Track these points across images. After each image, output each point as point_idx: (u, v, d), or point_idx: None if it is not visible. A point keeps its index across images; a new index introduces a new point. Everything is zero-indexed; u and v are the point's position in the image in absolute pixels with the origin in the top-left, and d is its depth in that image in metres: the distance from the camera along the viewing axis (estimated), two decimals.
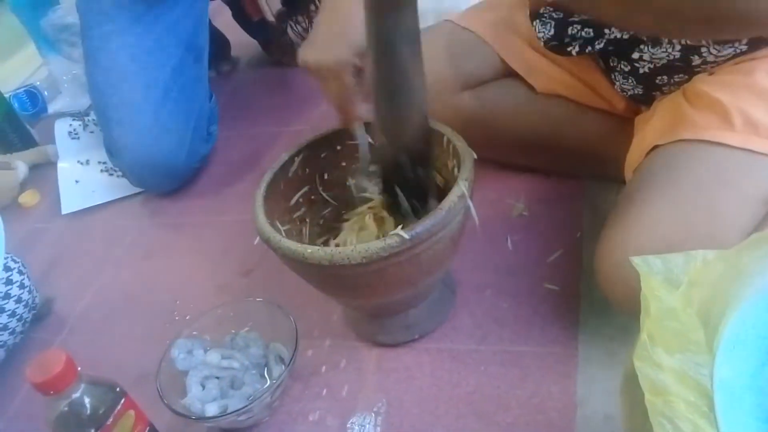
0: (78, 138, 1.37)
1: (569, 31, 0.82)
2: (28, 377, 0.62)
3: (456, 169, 0.73)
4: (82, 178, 1.32)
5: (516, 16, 0.93)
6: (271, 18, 1.42)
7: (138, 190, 1.27)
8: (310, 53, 0.75)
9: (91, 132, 1.37)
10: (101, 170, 1.33)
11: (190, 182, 1.26)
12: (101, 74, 1.19)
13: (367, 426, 0.75)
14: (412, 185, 0.73)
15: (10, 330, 0.92)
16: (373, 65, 0.66)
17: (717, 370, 0.40)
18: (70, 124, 1.38)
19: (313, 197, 0.85)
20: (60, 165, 1.34)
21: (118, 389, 0.68)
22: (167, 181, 1.24)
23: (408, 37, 0.63)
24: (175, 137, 1.20)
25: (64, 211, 1.26)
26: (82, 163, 1.35)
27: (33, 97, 1.64)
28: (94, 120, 1.38)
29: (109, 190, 1.29)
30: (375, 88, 0.68)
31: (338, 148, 0.85)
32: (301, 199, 0.84)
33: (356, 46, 0.71)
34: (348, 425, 0.75)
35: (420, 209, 0.74)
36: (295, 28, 1.47)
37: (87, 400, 0.64)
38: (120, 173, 1.26)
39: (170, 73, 1.20)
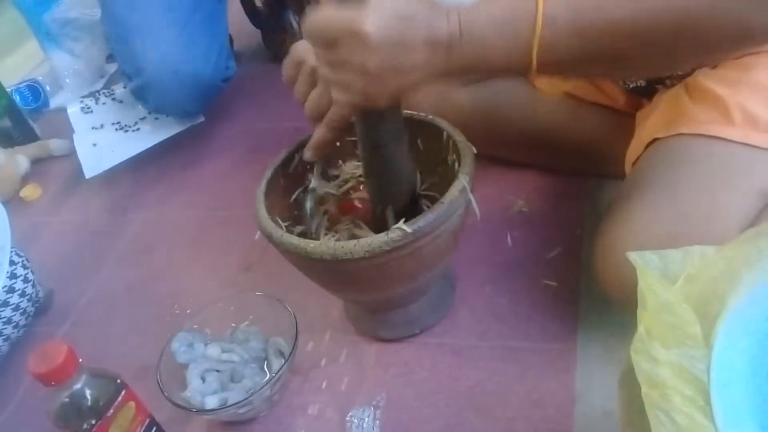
0: (91, 112, 1.39)
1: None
2: (30, 368, 0.62)
3: (456, 164, 0.73)
4: (99, 140, 1.32)
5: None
6: (259, 3, 1.42)
7: (158, 139, 1.27)
8: (299, 51, 0.73)
9: (104, 104, 1.39)
10: (116, 129, 1.34)
11: (192, 177, 1.26)
12: (122, 1, 1.19)
13: (367, 419, 0.75)
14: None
15: (14, 324, 0.93)
16: (363, 156, 0.72)
17: (713, 364, 0.40)
18: (82, 100, 1.41)
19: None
20: (76, 135, 1.35)
21: (118, 381, 0.68)
22: (192, 98, 1.23)
23: (393, 132, 0.68)
24: (201, 50, 1.20)
25: (87, 176, 1.25)
26: (96, 128, 1.36)
27: (35, 91, 1.64)
28: (105, 92, 1.40)
29: (128, 146, 1.29)
30: (366, 172, 0.74)
31: (338, 144, 0.85)
32: (301, 195, 0.84)
33: None
34: (347, 418, 0.75)
35: None
36: (295, 17, 1.47)
37: (88, 392, 0.65)
38: (132, 127, 1.29)
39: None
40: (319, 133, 0.72)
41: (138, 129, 1.32)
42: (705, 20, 0.53)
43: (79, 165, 1.26)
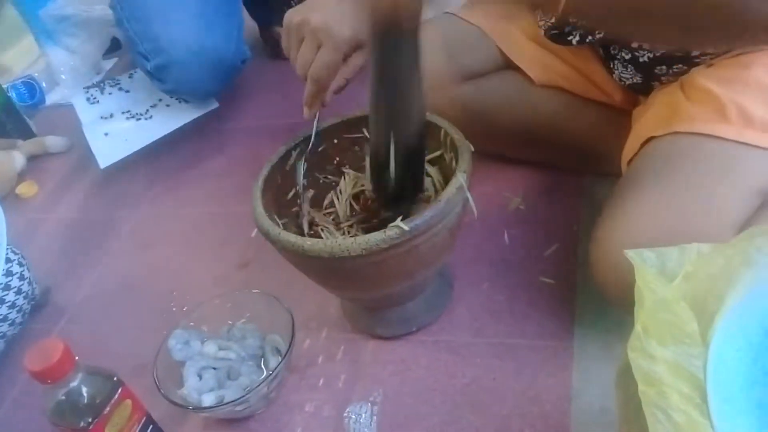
0: (98, 102, 1.38)
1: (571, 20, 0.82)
2: (27, 366, 0.62)
3: (454, 162, 0.73)
4: (110, 130, 1.31)
5: (517, 7, 0.93)
6: None
7: (173, 126, 1.26)
8: (318, 17, 0.75)
9: (110, 93, 1.39)
10: (126, 118, 1.33)
11: (188, 174, 1.26)
12: None
13: (364, 416, 0.75)
14: (401, 184, 0.72)
15: (10, 321, 0.93)
16: (373, 85, 0.67)
17: (710, 361, 0.41)
18: (87, 90, 1.40)
19: (310, 190, 0.85)
20: (85, 125, 1.33)
21: (115, 378, 0.68)
22: (213, 77, 1.22)
23: (410, 64, 0.65)
24: (222, 28, 1.20)
25: (102, 166, 1.24)
26: (105, 118, 1.34)
27: (31, 88, 1.64)
28: (110, 82, 1.40)
29: (142, 134, 1.28)
30: (374, 102, 0.69)
31: (335, 141, 0.85)
32: (298, 191, 0.84)
33: (353, 32, 0.74)
34: (344, 415, 0.75)
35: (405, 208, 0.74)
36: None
37: (84, 389, 0.65)
38: (144, 115, 1.29)
39: None
40: (308, 87, 0.77)
41: (151, 117, 1.31)
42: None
43: (89, 156, 1.26)
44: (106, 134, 1.31)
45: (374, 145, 0.72)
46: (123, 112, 1.35)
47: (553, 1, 0.57)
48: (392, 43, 0.63)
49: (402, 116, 0.69)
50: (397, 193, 0.73)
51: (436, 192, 0.79)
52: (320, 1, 0.78)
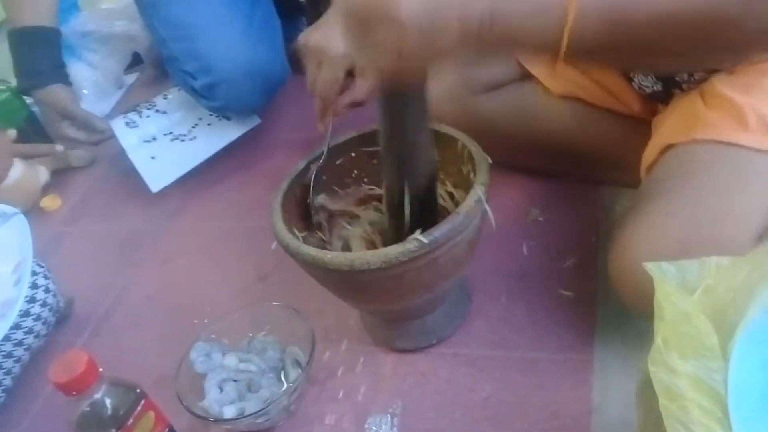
0: (137, 126, 1.35)
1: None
2: (51, 378, 0.63)
3: (471, 174, 0.74)
4: (156, 153, 1.30)
5: None
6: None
7: (219, 145, 1.26)
8: (314, 36, 0.78)
9: (148, 117, 1.36)
10: (170, 140, 1.32)
11: (208, 188, 1.27)
12: (177, 1, 1.20)
13: (384, 428, 0.75)
14: (415, 221, 0.73)
15: (35, 333, 0.94)
16: (383, 140, 0.69)
17: (731, 375, 0.40)
18: (125, 115, 1.38)
19: (329, 203, 0.86)
20: (128, 150, 1.30)
21: (138, 390, 0.69)
22: (262, 93, 1.23)
23: (417, 118, 0.66)
24: (268, 45, 1.21)
25: (154, 190, 1.23)
26: (148, 141, 1.33)
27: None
28: (147, 105, 1.39)
29: (188, 156, 1.27)
30: (385, 156, 0.71)
31: (353, 155, 0.86)
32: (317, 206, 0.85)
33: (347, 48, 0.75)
34: (365, 426, 0.76)
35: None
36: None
37: (108, 401, 0.66)
38: (187, 136, 1.29)
39: None
40: (315, 103, 0.80)
41: (194, 138, 1.31)
42: (740, 14, 0.53)
43: (111, 170, 1.28)
44: (152, 158, 1.29)
45: (388, 188, 0.74)
46: (165, 134, 1.33)
47: (553, 53, 0.58)
48: (399, 102, 0.64)
49: (412, 165, 0.70)
50: (413, 229, 0.72)
51: (455, 203, 0.80)
52: (324, 20, 0.81)
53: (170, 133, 1.33)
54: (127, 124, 1.35)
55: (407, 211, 0.71)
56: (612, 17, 0.56)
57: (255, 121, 1.31)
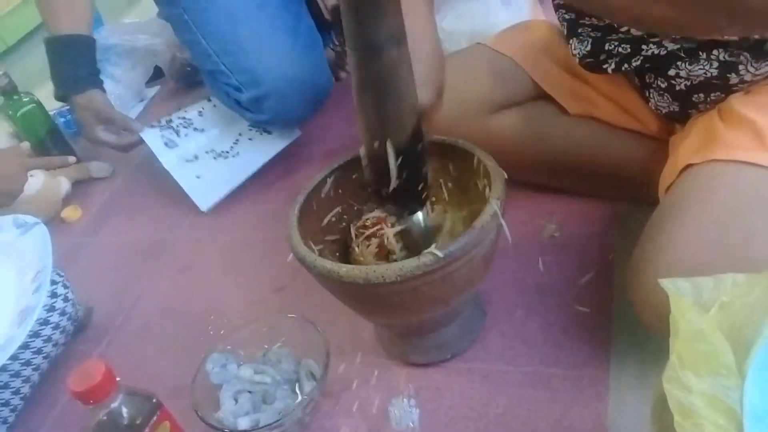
0: (177, 146, 1.32)
1: (606, 47, 0.82)
2: (69, 387, 0.64)
3: (487, 189, 0.74)
4: (201, 172, 1.29)
5: (550, 37, 0.94)
6: (326, 15, 1.42)
7: (263, 160, 1.28)
8: None
9: (186, 135, 1.34)
10: (213, 158, 1.31)
11: (225, 200, 1.28)
12: (223, 16, 1.22)
13: None
14: (401, 190, 0.68)
15: (54, 342, 0.95)
16: (356, 69, 0.60)
17: (747, 394, 0.40)
18: (162, 135, 1.33)
19: (345, 217, 0.87)
20: (172, 171, 1.28)
21: (154, 400, 0.69)
22: (309, 104, 1.24)
23: (393, 37, 0.58)
24: (314, 56, 1.23)
25: (204, 209, 1.24)
26: (190, 161, 1.31)
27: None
28: (183, 123, 1.35)
29: (234, 172, 1.28)
30: (359, 87, 0.62)
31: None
32: (333, 219, 0.85)
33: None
34: None
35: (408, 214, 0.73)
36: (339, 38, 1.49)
37: (125, 410, 0.66)
38: (230, 152, 1.30)
39: (295, 3, 1.24)
40: None
41: (237, 153, 1.31)
42: None
43: (131, 181, 1.27)
44: (198, 177, 1.28)
45: (366, 140, 0.66)
46: (207, 152, 1.32)
47: None
48: (370, 9, 0.56)
49: (393, 100, 0.62)
50: (401, 191, 0.68)
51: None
52: None
53: (212, 150, 1.32)
54: (166, 144, 1.32)
55: (393, 166, 0.65)
56: None
57: (296, 133, 1.33)
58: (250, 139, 1.33)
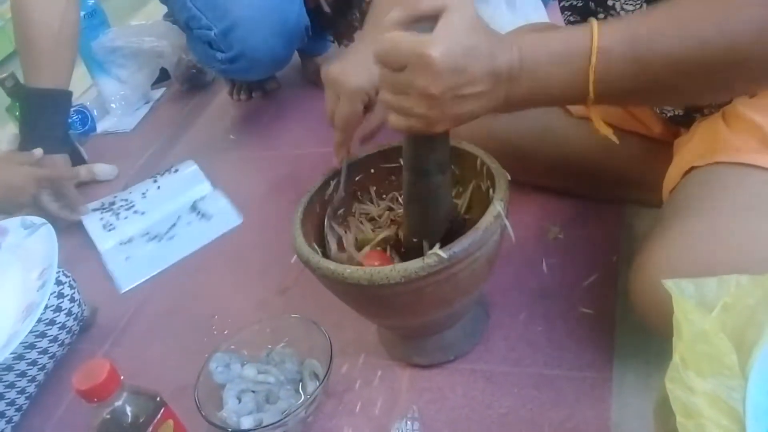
0: (114, 228, 1.28)
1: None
2: (74, 385, 0.64)
3: (491, 191, 0.74)
4: (131, 253, 1.23)
5: None
6: (327, 9, 1.42)
7: (197, 246, 1.19)
8: (336, 69, 0.78)
9: (126, 218, 1.29)
10: (147, 240, 1.24)
11: (228, 199, 1.29)
12: None
13: None
14: None
15: (59, 342, 0.96)
16: (408, 185, 0.72)
17: (749, 394, 0.40)
18: (101, 218, 1.30)
19: (347, 219, 0.87)
20: (104, 254, 1.24)
21: (158, 399, 0.70)
22: (278, 39, 1.24)
23: (440, 166, 0.69)
24: None
25: (123, 290, 1.15)
26: (124, 243, 1.25)
27: (83, 116, 1.70)
28: (125, 205, 1.32)
29: (164, 256, 1.20)
30: (408, 199, 0.74)
31: (372, 171, 0.86)
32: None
33: (364, 82, 0.77)
34: None
35: None
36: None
37: (129, 409, 0.67)
38: (165, 236, 1.23)
39: None
40: (334, 137, 0.80)
41: (172, 237, 1.23)
42: (756, 46, 0.55)
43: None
44: (126, 258, 1.22)
45: (407, 238, 0.77)
46: (143, 235, 1.25)
47: (583, 97, 0.61)
48: (425, 144, 0.67)
49: (433, 213, 0.73)
50: None
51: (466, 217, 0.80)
52: (348, 52, 0.83)
53: (147, 234, 1.26)
54: (104, 227, 1.28)
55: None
56: (632, 58, 0.58)
57: (236, 221, 1.22)
58: (188, 223, 1.25)
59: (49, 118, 1.26)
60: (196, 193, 1.31)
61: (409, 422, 0.77)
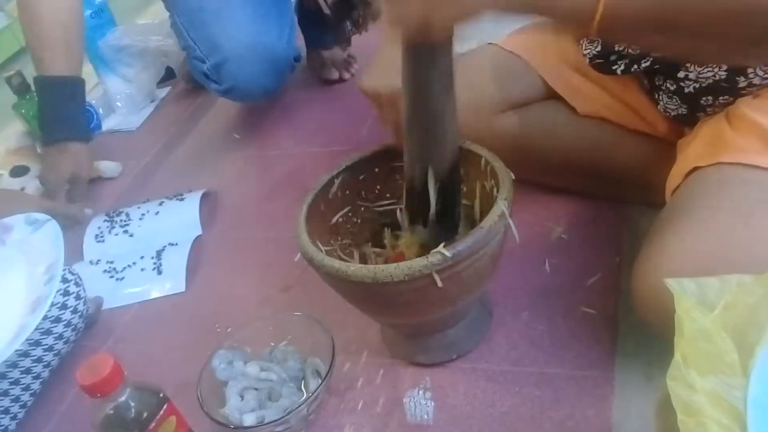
0: (103, 241, 1.23)
1: (616, 48, 0.82)
2: (78, 380, 0.64)
3: (495, 190, 0.74)
4: (92, 278, 1.12)
5: (560, 38, 0.94)
6: (327, 10, 1.43)
7: (128, 301, 1.11)
8: (368, 80, 0.78)
9: (116, 235, 1.23)
10: (104, 270, 1.15)
11: (233, 199, 1.29)
12: None
13: None
14: (439, 217, 0.74)
15: (65, 339, 0.96)
16: (407, 104, 0.68)
17: (750, 392, 0.40)
18: (99, 227, 1.26)
19: (352, 218, 0.87)
20: (85, 261, 1.20)
21: (161, 395, 0.70)
22: (268, 72, 1.28)
23: (443, 79, 0.65)
24: (274, 25, 1.28)
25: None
26: (93, 263, 1.18)
27: (89, 114, 1.69)
28: (121, 221, 1.25)
29: (107, 295, 1.12)
30: (409, 125, 0.70)
31: (376, 170, 0.87)
32: (340, 220, 0.86)
33: None
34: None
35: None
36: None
37: (132, 404, 0.67)
38: (119, 273, 1.14)
39: None
40: None
41: (122, 278, 1.14)
42: None
43: (140, 181, 1.23)
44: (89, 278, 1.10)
45: (410, 166, 0.73)
46: (108, 262, 1.17)
47: (587, 22, 0.57)
48: (425, 56, 0.64)
49: (437, 137, 0.69)
50: (436, 222, 0.74)
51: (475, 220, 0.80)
52: (378, 63, 0.81)
53: (111, 262, 1.17)
54: (96, 236, 1.24)
55: (432, 194, 0.71)
56: None
57: (180, 288, 1.11)
58: (142, 269, 1.15)
59: (69, 105, 1.26)
60: (179, 235, 1.20)
61: (421, 391, 0.77)
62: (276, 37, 1.29)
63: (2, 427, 0.88)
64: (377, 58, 0.81)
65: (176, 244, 1.18)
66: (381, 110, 0.78)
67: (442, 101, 0.67)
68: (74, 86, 1.27)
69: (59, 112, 1.26)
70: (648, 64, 0.81)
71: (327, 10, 1.42)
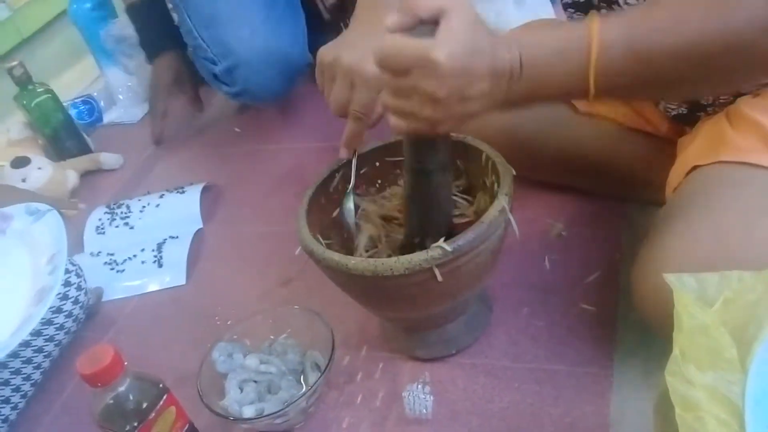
0: (103, 233, 1.23)
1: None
2: (78, 369, 0.65)
3: (496, 185, 0.74)
4: (92, 269, 1.12)
5: None
6: (326, 14, 1.43)
7: (127, 293, 1.11)
8: (347, 57, 0.77)
9: (116, 227, 1.23)
10: (105, 263, 1.16)
11: (234, 193, 1.29)
12: None
13: None
14: None
15: (66, 329, 0.96)
16: (408, 183, 0.74)
17: (749, 388, 0.41)
18: (100, 219, 1.25)
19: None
20: (85, 252, 1.21)
21: (161, 385, 0.70)
22: (281, 77, 1.27)
23: (441, 165, 0.70)
24: (289, 29, 1.26)
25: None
26: (93, 255, 1.19)
27: (90, 106, 1.70)
28: (123, 212, 1.25)
29: (106, 288, 1.12)
30: (408, 201, 0.76)
31: (377, 164, 0.87)
32: (342, 200, 0.85)
33: None
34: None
35: None
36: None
37: (132, 394, 0.67)
38: (119, 266, 1.15)
39: None
40: (348, 127, 0.79)
41: (123, 270, 1.14)
42: (756, 38, 0.55)
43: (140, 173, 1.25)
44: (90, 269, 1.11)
45: (408, 229, 0.78)
46: (109, 254, 1.17)
47: (583, 98, 0.62)
48: (425, 146, 0.69)
49: (431, 216, 0.74)
50: None
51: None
52: (350, 39, 0.81)
53: (112, 255, 1.17)
54: (96, 228, 1.24)
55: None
56: (632, 53, 0.58)
57: (180, 280, 1.11)
58: (142, 262, 1.15)
59: (157, 23, 1.41)
60: (179, 228, 1.19)
61: (420, 385, 0.77)
62: (289, 42, 1.27)
63: (3, 417, 0.88)
64: (342, 38, 0.82)
65: (177, 237, 1.18)
66: (330, 83, 0.79)
67: (438, 180, 0.71)
68: (156, 6, 1.40)
69: (151, 33, 1.41)
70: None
71: (326, 15, 1.42)
